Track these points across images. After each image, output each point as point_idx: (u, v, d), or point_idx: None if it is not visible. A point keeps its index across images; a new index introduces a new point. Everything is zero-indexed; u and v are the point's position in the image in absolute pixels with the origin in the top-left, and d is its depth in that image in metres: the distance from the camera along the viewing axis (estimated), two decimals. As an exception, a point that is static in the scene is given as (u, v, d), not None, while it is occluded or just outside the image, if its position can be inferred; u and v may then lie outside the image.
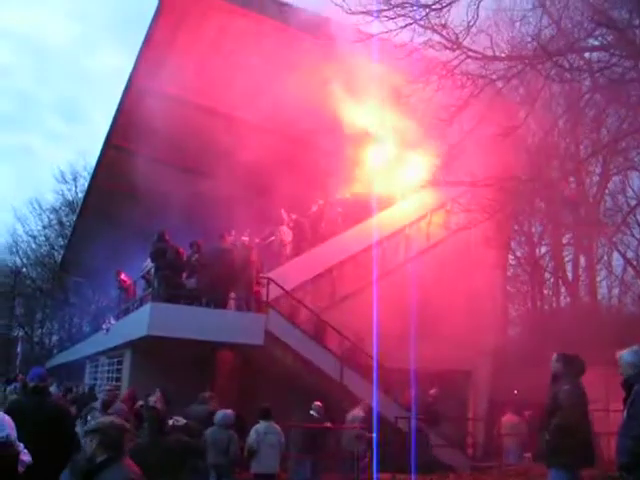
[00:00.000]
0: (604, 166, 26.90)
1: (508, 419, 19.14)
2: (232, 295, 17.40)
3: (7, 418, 5.91)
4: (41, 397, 7.60)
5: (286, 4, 18.66)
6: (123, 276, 23.40)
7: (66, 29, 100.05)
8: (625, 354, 6.65)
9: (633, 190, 29.46)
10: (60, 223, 55.32)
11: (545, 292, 34.15)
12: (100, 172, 27.78)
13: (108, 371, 21.35)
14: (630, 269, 29.61)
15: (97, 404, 12.38)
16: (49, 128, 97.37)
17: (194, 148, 22.69)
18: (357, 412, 15.72)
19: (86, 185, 38.99)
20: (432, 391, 18.73)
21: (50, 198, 56.34)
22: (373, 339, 17.04)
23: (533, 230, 32.02)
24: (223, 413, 11.28)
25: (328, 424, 15.09)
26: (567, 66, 14.61)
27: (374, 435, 14.87)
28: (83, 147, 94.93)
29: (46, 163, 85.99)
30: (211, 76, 19.72)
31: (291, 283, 18.63)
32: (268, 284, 17.43)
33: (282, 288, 17.93)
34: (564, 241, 30.78)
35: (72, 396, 18.83)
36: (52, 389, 19.27)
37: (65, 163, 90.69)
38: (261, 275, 17.89)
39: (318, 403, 15.15)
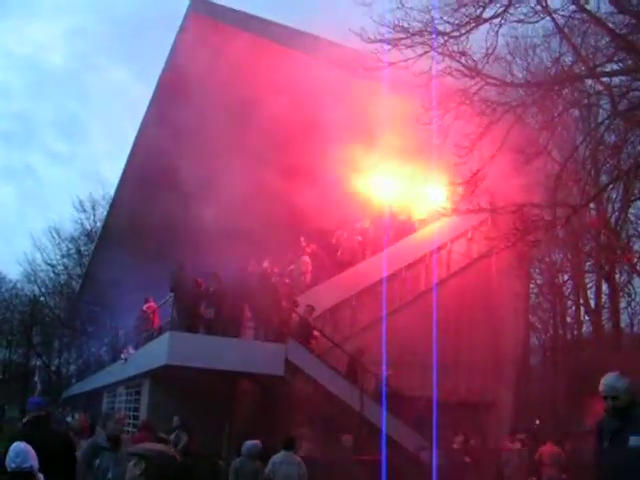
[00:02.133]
0: (625, 192, 26.71)
1: (548, 449, 18.73)
2: (251, 324, 17.31)
3: (30, 449, 5.85)
4: (41, 427, 7.53)
5: (308, 34, 18.76)
6: (150, 304, 23.23)
7: (64, 47, 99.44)
8: (617, 380, 6.00)
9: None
10: (78, 252, 55.58)
11: (567, 320, 33.82)
12: (119, 202, 27.89)
13: (126, 401, 21.26)
14: (652, 297, 29.29)
15: (101, 439, 10.25)
16: (49, 147, 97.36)
17: (212, 176, 22.73)
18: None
19: (105, 214, 39.20)
20: (458, 438, 18.13)
21: (69, 227, 56.67)
22: (385, 368, 16.91)
23: (554, 257, 31.79)
24: (251, 444, 11.13)
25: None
26: (586, 92, 14.54)
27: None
28: (84, 166, 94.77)
29: (48, 183, 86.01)
30: (225, 107, 19.77)
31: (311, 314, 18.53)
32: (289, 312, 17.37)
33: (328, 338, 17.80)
34: (585, 268, 30.52)
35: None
36: (68, 419, 19.21)
37: (80, 189, 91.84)
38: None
39: (348, 436, 15.03)
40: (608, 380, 5.96)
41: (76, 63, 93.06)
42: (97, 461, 9.31)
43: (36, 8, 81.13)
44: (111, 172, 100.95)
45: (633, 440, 5.53)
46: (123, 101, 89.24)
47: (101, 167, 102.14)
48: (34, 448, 6.34)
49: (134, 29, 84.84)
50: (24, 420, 8.22)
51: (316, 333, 18.57)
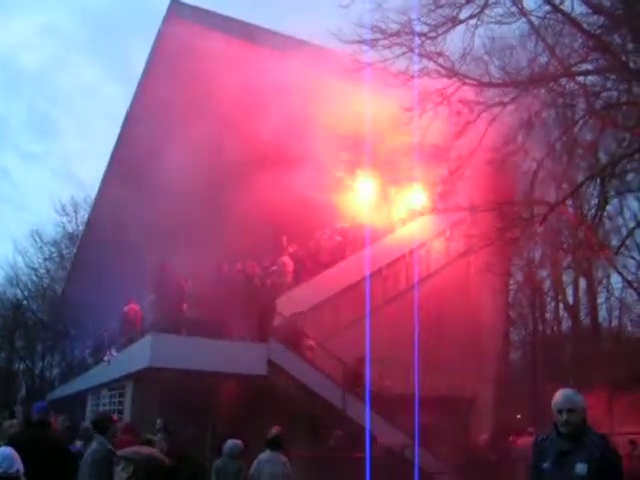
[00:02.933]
0: (602, 189, 26.95)
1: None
2: (233, 325, 17.39)
3: (15, 453, 5.91)
4: (44, 431, 7.61)
5: (283, 35, 18.86)
6: (132, 305, 23.23)
7: (37, 47, 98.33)
8: (578, 397, 5.53)
9: (631, 212, 29.61)
10: (61, 255, 55.24)
11: (546, 316, 34.12)
12: (100, 204, 27.87)
13: (110, 403, 21.26)
14: (630, 291, 29.59)
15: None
16: (23, 148, 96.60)
17: (193, 178, 22.76)
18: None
19: (86, 217, 39.07)
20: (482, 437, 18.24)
21: (51, 230, 56.36)
22: (368, 367, 17.03)
23: (533, 254, 32.06)
24: (233, 443, 11.14)
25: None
26: (562, 91, 14.73)
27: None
28: (60, 166, 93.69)
29: (24, 184, 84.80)
30: (207, 108, 19.83)
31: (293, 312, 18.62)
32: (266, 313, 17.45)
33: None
34: (564, 265, 30.79)
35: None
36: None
37: (56, 189, 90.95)
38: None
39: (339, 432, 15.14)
40: (566, 392, 5.58)
41: (50, 62, 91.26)
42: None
43: (7, 6, 79.92)
44: (87, 172, 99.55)
45: (580, 468, 5.17)
46: (96, 100, 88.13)
47: (77, 167, 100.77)
48: (36, 451, 6.43)
49: (108, 27, 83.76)
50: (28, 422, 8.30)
51: (311, 342, 18.65)
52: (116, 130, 24.59)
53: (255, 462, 11.88)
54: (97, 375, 23.90)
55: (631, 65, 13.75)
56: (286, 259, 21.12)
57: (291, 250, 21.69)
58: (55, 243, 56.14)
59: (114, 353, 21.62)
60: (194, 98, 19.53)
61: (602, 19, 14.23)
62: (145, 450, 4.34)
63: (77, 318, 45.38)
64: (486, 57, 14.73)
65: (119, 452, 4.25)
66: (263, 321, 17.56)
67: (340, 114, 18.99)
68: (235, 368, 16.38)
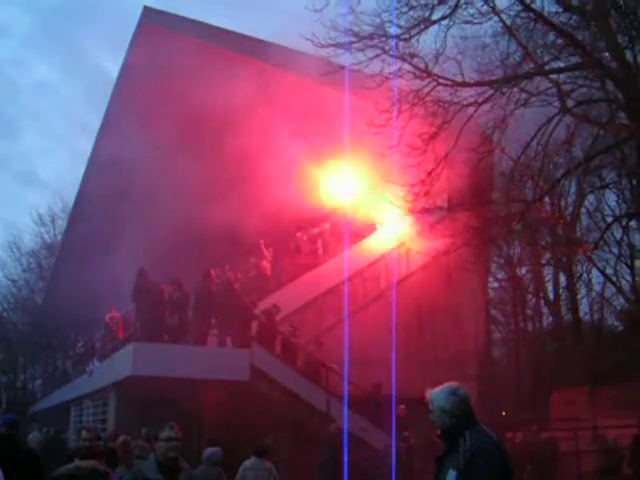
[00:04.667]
0: (579, 185, 27.23)
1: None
2: (215, 331, 17.36)
3: None
4: (9, 443, 7.55)
5: (258, 40, 18.88)
6: (114, 314, 23.12)
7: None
8: (437, 396, 4.92)
9: (609, 207, 29.86)
10: (39, 266, 54.97)
11: (528, 312, 34.34)
12: (78, 214, 27.76)
13: (94, 414, 21.16)
14: (610, 285, 29.84)
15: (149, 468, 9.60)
16: None
17: (170, 185, 22.74)
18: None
19: (64, 227, 38.88)
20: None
21: (29, 241, 56.06)
22: (346, 367, 17.06)
23: (512, 252, 32.27)
24: (211, 450, 11.11)
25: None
26: (534, 91, 14.83)
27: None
28: (20, 167, 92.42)
29: None
30: (186, 113, 19.82)
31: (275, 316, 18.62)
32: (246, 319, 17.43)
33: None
34: (543, 261, 31.02)
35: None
36: (32, 435, 18.95)
37: (43, 205, 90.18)
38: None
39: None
40: (431, 391, 5.03)
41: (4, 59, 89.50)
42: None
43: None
44: (48, 173, 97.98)
45: (450, 475, 4.65)
46: (54, 99, 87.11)
47: (39, 168, 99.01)
48: (3, 463, 6.36)
49: (63, 23, 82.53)
50: None
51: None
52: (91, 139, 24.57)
53: (240, 469, 11.87)
54: (80, 386, 23.78)
55: (603, 62, 13.86)
56: (264, 263, 21.13)
57: (268, 254, 21.70)
58: (33, 254, 55.87)
59: (96, 363, 21.52)
60: (169, 104, 19.51)
61: (573, 16, 14.35)
62: (89, 464, 4.21)
63: (58, 329, 45.20)
64: (459, 57, 14.78)
65: (56, 472, 4.07)
66: (245, 326, 17.54)
67: (316, 117, 19.03)
68: (218, 374, 16.35)
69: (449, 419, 4.79)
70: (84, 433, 8.38)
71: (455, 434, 4.74)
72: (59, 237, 47.51)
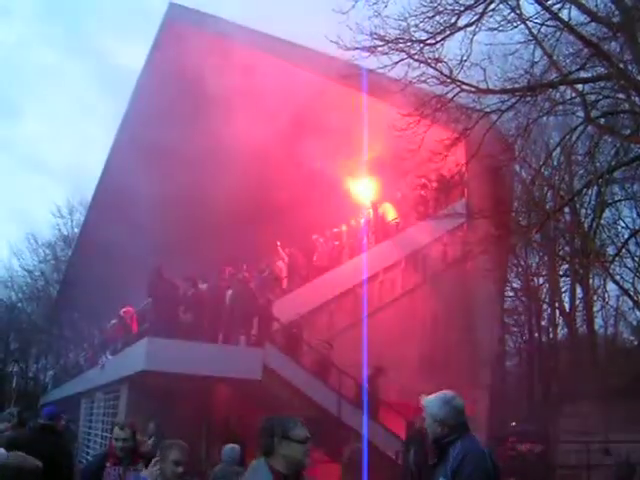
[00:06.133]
0: (598, 197, 27.04)
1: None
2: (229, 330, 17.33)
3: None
4: (44, 435, 7.53)
5: (283, 40, 18.87)
6: (128, 308, 23.14)
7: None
8: (430, 404, 4.82)
9: (624, 222, 29.71)
10: (56, 258, 55.16)
11: (542, 323, 34.17)
12: (96, 206, 27.84)
13: (104, 407, 21.19)
14: (626, 299, 29.65)
15: None
16: None
17: (189, 181, 22.77)
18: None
19: (82, 219, 39.03)
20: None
21: (46, 233, 56.32)
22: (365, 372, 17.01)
23: (530, 261, 32.12)
24: (231, 448, 10.97)
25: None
26: (558, 100, 14.74)
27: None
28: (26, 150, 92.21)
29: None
30: (207, 109, 19.82)
31: (288, 317, 18.59)
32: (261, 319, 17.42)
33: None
34: (560, 272, 30.85)
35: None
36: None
37: (61, 196, 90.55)
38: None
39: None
40: (428, 402, 4.89)
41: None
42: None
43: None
44: (54, 158, 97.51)
45: None
46: (59, 81, 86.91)
47: (44, 154, 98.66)
48: (38, 455, 6.32)
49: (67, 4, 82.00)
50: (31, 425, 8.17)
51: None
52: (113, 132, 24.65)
53: (249, 469, 11.76)
54: (91, 378, 23.82)
55: (629, 74, 13.76)
56: (279, 263, 21.14)
57: (285, 255, 21.70)
58: (50, 245, 56.13)
59: (109, 356, 21.55)
60: (195, 99, 19.52)
61: (600, 27, 14.26)
62: (17, 457, 4.15)
63: (72, 321, 45.39)
64: (484, 64, 14.71)
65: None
66: (260, 326, 17.52)
67: (339, 119, 19.01)
68: (230, 372, 16.32)
69: (441, 428, 4.72)
70: (120, 431, 7.02)
71: (446, 443, 4.68)
72: (76, 230, 47.71)
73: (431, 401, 4.83)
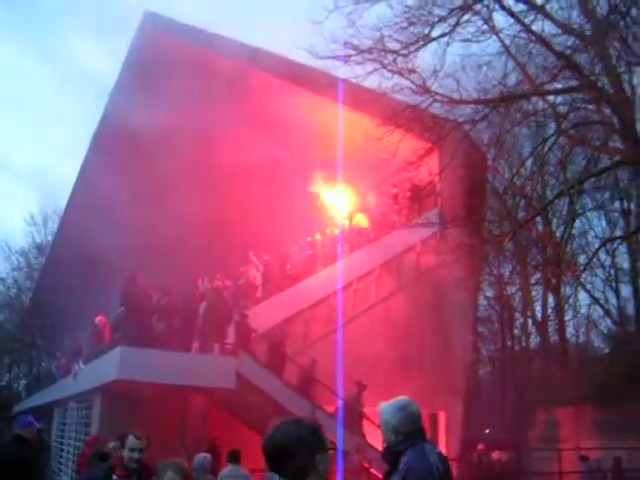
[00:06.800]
0: (570, 207, 27.34)
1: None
2: (202, 339, 17.29)
3: None
4: (17, 445, 7.48)
5: (257, 49, 18.92)
6: (99, 318, 23.03)
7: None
8: (385, 410, 4.63)
9: (594, 231, 30.09)
10: (29, 266, 54.83)
11: (515, 332, 34.44)
12: (70, 215, 27.70)
13: (77, 416, 21.05)
14: (597, 308, 30.00)
15: None
16: None
17: (162, 190, 22.73)
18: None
19: (56, 227, 38.83)
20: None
21: (19, 240, 55.97)
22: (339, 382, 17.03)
23: (502, 270, 32.38)
24: (202, 457, 10.97)
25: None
26: (530, 111, 14.90)
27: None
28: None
29: None
30: (173, 117, 19.80)
31: (262, 326, 18.58)
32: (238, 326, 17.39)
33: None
34: (533, 281, 31.11)
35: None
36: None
37: (33, 204, 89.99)
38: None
39: None
40: (383, 408, 4.69)
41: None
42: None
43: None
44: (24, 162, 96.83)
45: None
46: (27, 84, 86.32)
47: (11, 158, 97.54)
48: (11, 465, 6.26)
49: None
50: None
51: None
52: (86, 141, 24.59)
53: (218, 477, 11.78)
54: (64, 387, 23.66)
55: (600, 86, 13.95)
56: (253, 272, 21.11)
57: (259, 264, 21.69)
58: (24, 253, 55.77)
59: (82, 365, 21.41)
60: (168, 107, 19.50)
61: (572, 39, 14.45)
62: None
63: (45, 329, 45.07)
64: (458, 74, 14.87)
65: None
66: (236, 335, 17.49)
67: (312, 128, 19.08)
68: (203, 381, 16.27)
69: (395, 436, 4.53)
70: (137, 441, 6.17)
71: (399, 452, 4.47)
72: (50, 237, 47.44)
73: (386, 407, 4.64)
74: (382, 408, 4.65)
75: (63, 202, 33.95)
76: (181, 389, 16.23)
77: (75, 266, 28.74)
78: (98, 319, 22.49)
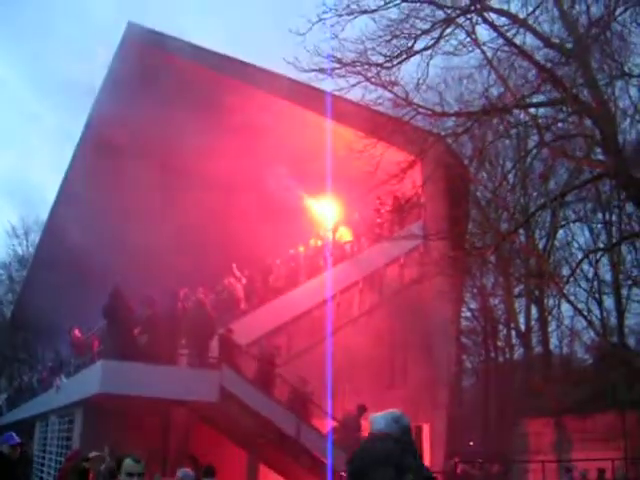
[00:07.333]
0: (553, 219, 27.46)
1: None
2: (185, 352, 17.18)
3: None
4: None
5: (241, 61, 18.94)
6: (77, 332, 22.96)
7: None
8: (377, 421, 4.66)
9: (577, 243, 30.23)
10: (10, 278, 54.50)
11: (499, 343, 34.48)
12: (51, 228, 27.56)
13: (59, 430, 20.87)
14: (580, 319, 30.06)
15: None
16: None
17: (145, 202, 22.65)
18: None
19: (37, 240, 38.62)
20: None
21: (0, 253, 55.63)
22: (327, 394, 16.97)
23: (485, 282, 32.43)
24: (184, 472, 10.89)
25: None
26: (513, 122, 14.96)
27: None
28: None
29: None
30: (157, 128, 19.77)
31: (245, 338, 18.51)
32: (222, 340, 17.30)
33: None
34: (516, 293, 31.19)
35: None
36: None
37: (13, 215, 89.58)
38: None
39: None
40: (375, 418, 4.71)
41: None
42: None
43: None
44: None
45: None
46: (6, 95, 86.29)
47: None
48: None
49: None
50: None
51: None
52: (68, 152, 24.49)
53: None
54: (46, 401, 23.47)
55: (582, 98, 14.04)
56: (237, 285, 21.05)
57: (242, 276, 21.64)
58: (4, 266, 55.41)
59: (64, 379, 21.25)
60: (151, 121, 19.47)
61: (554, 52, 14.54)
62: None
63: (26, 342, 44.75)
64: (440, 87, 14.93)
65: None
66: (219, 349, 17.39)
67: (296, 141, 19.09)
68: (186, 395, 16.17)
69: None
70: (136, 464, 5.59)
71: None
72: (32, 250, 47.18)
73: (379, 419, 4.64)
74: (375, 419, 4.65)
75: (45, 213, 33.84)
76: (164, 403, 16.13)
77: (57, 278, 28.57)
78: (74, 332, 22.45)
